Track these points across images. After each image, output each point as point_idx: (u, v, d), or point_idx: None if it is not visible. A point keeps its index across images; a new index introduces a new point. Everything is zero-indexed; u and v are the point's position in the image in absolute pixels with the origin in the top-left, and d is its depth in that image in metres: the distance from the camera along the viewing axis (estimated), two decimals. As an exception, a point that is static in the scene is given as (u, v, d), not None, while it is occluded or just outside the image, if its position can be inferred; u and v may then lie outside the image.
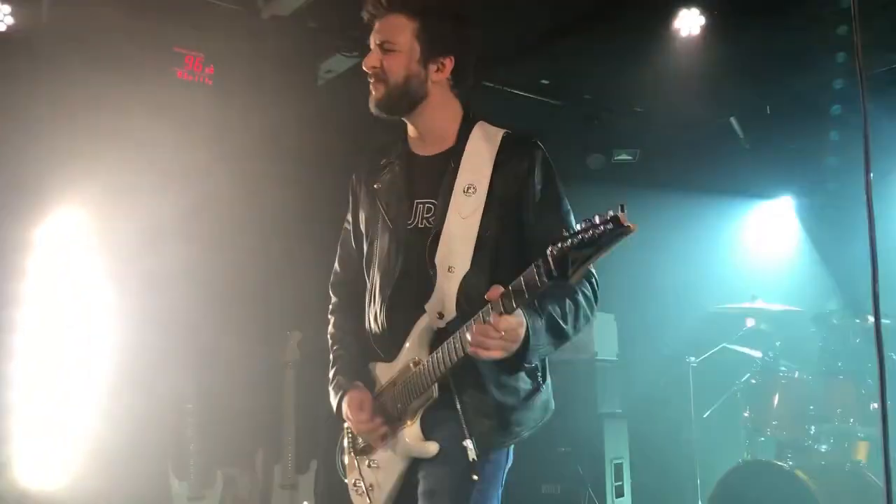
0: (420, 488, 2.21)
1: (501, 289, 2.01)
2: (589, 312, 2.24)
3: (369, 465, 2.41)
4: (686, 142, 5.99)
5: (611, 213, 1.75)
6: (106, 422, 4.25)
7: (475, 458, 2.12)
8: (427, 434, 2.25)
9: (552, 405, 2.36)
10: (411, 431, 2.26)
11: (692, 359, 5.09)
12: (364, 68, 2.35)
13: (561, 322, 2.16)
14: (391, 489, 2.33)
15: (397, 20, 2.29)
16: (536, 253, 1.86)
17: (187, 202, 4.50)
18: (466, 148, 2.34)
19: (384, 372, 2.39)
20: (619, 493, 5.27)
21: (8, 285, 4.16)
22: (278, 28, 4.54)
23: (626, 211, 1.74)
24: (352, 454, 2.48)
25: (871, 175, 1.73)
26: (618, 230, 1.74)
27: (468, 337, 2.05)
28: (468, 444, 2.13)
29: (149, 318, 4.41)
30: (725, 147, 6.04)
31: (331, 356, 2.54)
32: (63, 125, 4.17)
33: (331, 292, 2.66)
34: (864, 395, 4.34)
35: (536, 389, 2.29)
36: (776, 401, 4.53)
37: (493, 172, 2.28)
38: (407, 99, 2.33)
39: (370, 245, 2.45)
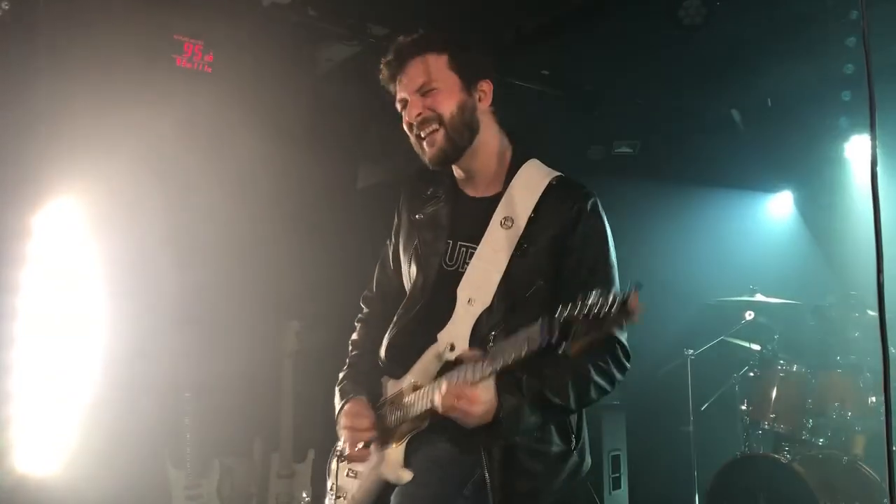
0: None
1: (478, 353, 1.99)
2: (604, 383, 2.13)
3: (348, 474, 2.39)
4: (686, 134, 5.98)
5: (623, 294, 1.70)
6: (104, 410, 4.25)
7: None
8: (410, 454, 2.20)
9: (586, 466, 2.28)
10: (394, 454, 2.22)
11: (690, 351, 5.08)
12: (409, 122, 2.25)
13: (554, 398, 2.07)
14: (360, 501, 2.32)
15: (426, 60, 2.22)
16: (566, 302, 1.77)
17: (186, 190, 4.49)
18: (511, 184, 2.27)
19: (391, 387, 2.37)
20: (616, 485, 5.27)
21: (7, 272, 4.14)
22: (278, 16, 4.51)
23: (638, 292, 1.70)
24: (336, 459, 2.47)
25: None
26: (622, 314, 1.69)
27: (436, 398, 2.03)
28: None
29: (148, 307, 4.40)
30: (726, 139, 6.03)
31: (346, 359, 2.54)
32: (61, 112, 4.14)
33: (361, 303, 2.64)
34: (861, 389, 4.35)
35: (568, 452, 2.21)
36: (774, 394, 4.54)
37: (534, 212, 2.20)
38: (468, 131, 2.24)
39: (406, 273, 2.41)
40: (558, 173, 2.30)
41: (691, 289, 5.66)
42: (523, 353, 1.87)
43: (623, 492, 5.32)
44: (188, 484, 4.59)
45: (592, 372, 2.11)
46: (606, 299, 1.71)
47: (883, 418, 4.15)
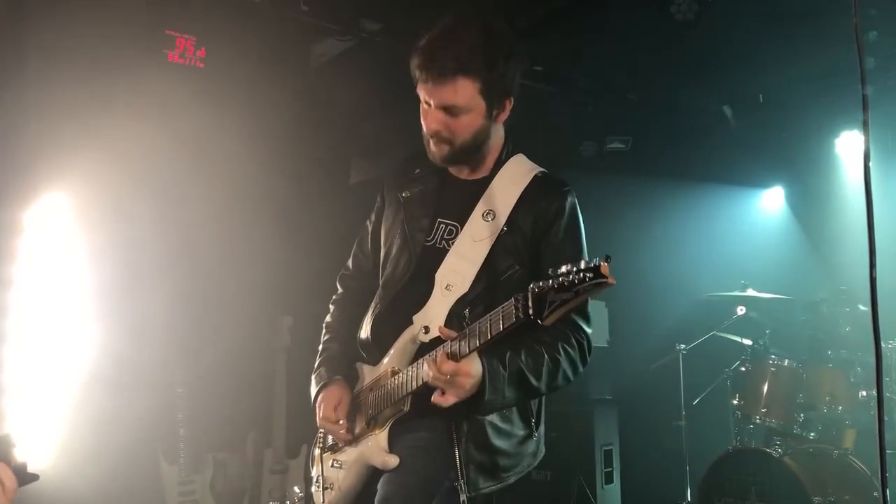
0: (377, 495, 2.18)
1: (454, 332, 2.02)
2: (570, 372, 2.20)
3: (332, 465, 2.41)
4: (678, 130, 5.99)
5: (594, 261, 1.75)
6: (96, 405, 4.23)
7: (465, 499, 2.11)
8: (394, 441, 2.23)
9: (542, 452, 2.35)
10: (377, 440, 2.25)
11: (682, 346, 5.10)
12: (426, 132, 2.26)
13: (531, 377, 2.12)
14: (347, 491, 2.34)
15: (462, 83, 2.16)
16: None
17: (178, 186, 4.48)
18: (496, 176, 2.32)
19: (368, 374, 2.39)
20: (609, 480, 5.29)
21: (-1, 268, 4.14)
22: (271, 11, 4.50)
23: (609, 262, 1.74)
24: (320, 449, 2.48)
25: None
26: (597, 280, 1.74)
27: (427, 371, 2.04)
28: (460, 485, 2.12)
29: (140, 302, 4.39)
30: (718, 135, 6.05)
31: (320, 346, 2.54)
32: (52, 107, 4.13)
33: (338, 283, 2.65)
34: (852, 384, 4.37)
35: (529, 436, 2.28)
36: (765, 388, 4.56)
37: (516, 205, 2.25)
38: (474, 149, 2.29)
39: (386, 251, 2.43)
40: (542, 169, 2.35)
41: (683, 284, 5.68)
42: (502, 328, 1.92)
43: (615, 486, 5.33)
44: (181, 479, 4.59)
45: (563, 359, 2.17)
46: (578, 267, 1.77)
47: (873, 412, 4.19)
